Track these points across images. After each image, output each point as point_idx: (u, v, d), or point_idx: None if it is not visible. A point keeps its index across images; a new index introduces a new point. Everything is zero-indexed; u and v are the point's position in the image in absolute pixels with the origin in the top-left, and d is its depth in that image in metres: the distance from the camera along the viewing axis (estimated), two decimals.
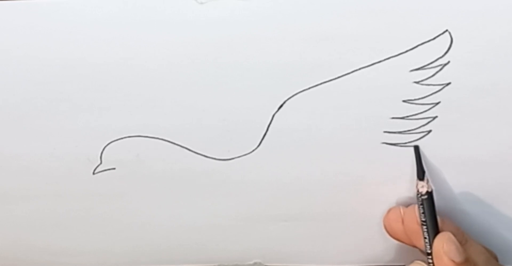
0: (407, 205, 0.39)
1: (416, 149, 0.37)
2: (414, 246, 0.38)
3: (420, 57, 0.34)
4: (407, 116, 0.36)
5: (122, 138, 0.38)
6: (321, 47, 0.34)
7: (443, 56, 0.34)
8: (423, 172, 0.38)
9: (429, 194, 0.37)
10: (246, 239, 0.43)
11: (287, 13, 0.33)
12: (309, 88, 0.36)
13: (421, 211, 0.37)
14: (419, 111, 0.36)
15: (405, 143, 0.37)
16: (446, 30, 0.33)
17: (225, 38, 0.34)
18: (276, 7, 0.33)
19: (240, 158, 0.39)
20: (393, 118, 0.37)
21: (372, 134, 0.37)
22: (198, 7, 0.33)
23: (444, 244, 0.36)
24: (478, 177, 0.38)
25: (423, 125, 0.37)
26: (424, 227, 0.37)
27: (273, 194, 0.40)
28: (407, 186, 0.39)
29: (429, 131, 0.37)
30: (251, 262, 0.45)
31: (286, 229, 0.42)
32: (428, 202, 0.37)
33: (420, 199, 0.37)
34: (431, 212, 0.37)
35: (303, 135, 0.37)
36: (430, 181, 0.38)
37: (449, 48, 0.34)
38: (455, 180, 0.39)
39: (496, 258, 0.40)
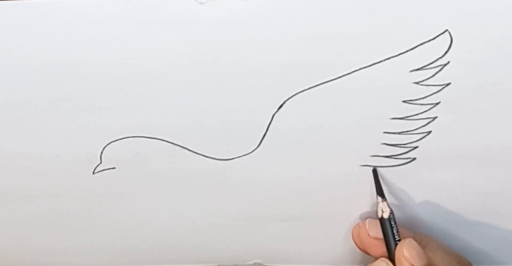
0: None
1: (374, 171, 0.38)
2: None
3: (420, 58, 0.34)
4: (407, 116, 0.36)
5: (122, 138, 0.38)
6: (321, 47, 0.34)
7: (443, 56, 0.34)
8: (383, 194, 0.39)
9: (392, 213, 0.38)
10: (246, 239, 0.43)
11: (287, 13, 0.33)
12: (309, 88, 0.36)
13: (387, 225, 0.38)
14: (419, 112, 0.36)
15: (405, 144, 0.37)
16: (446, 30, 0.33)
17: (225, 38, 0.34)
18: (276, 7, 0.33)
19: (240, 158, 0.39)
20: (393, 118, 0.37)
21: (372, 134, 0.37)
22: (198, 7, 0.33)
23: (404, 250, 0.36)
24: (477, 178, 0.39)
25: (423, 125, 0.37)
26: (387, 237, 0.38)
27: (273, 194, 0.40)
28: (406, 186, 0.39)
29: (429, 132, 0.37)
30: (251, 262, 0.45)
31: (286, 229, 0.42)
32: (391, 220, 0.38)
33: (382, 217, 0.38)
34: (391, 225, 0.38)
35: (303, 135, 0.37)
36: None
37: (449, 48, 0.34)
38: (455, 180, 0.39)
39: (468, 264, 0.40)
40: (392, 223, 0.38)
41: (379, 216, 0.38)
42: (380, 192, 0.39)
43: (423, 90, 0.35)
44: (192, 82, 0.36)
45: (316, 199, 0.40)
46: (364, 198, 0.40)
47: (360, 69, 0.35)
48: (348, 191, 0.40)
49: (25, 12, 0.33)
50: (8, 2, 0.33)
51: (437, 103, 0.36)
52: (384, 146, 0.38)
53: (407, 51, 0.34)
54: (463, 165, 0.38)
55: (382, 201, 0.38)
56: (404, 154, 0.38)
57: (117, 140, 0.38)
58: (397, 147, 0.38)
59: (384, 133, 0.37)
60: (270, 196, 0.41)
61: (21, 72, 0.35)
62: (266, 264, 0.45)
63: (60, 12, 0.33)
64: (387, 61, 0.34)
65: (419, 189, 0.39)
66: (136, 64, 0.35)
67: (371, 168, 0.39)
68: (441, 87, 0.35)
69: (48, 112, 0.37)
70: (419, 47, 0.34)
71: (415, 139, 0.37)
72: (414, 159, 0.38)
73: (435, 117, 0.36)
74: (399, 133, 0.37)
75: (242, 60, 0.35)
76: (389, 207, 0.38)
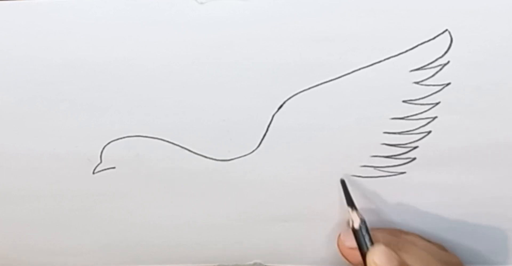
0: None
1: (343, 182, 0.39)
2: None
3: (420, 57, 0.34)
4: (407, 116, 0.36)
5: (122, 138, 0.38)
6: (321, 47, 0.34)
7: (443, 56, 0.34)
8: (353, 204, 0.39)
9: (363, 222, 0.38)
10: (246, 239, 0.43)
11: (287, 13, 0.33)
12: (309, 88, 0.36)
13: (359, 234, 0.38)
14: (419, 112, 0.36)
15: (405, 144, 0.37)
16: (446, 30, 0.33)
17: (225, 38, 0.34)
18: (276, 7, 0.33)
19: (240, 158, 0.39)
20: (393, 118, 0.37)
21: (372, 134, 0.37)
22: (198, 7, 0.33)
23: (374, 257, 0.36)
24: (477, 178, 0.39)
25: (423, 125, 0.37)
26: (361, 246, 0.38)
27: (273, 194, 0.40)
28: (406, 186, 0.39)
29: (429, 132, 0.37)
30: (251, 262, 0.45)
31: (286, 229, 0.42)
32: (362, 230, 0.38)
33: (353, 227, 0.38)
34: (363, 234, 0.38)
35: (303, 135, 0.37)
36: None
37: (449, 48, 0.34)
38: (454, 180, 0.39)
39: (458, 262, 0.40)
40: (364, 232, 0.38)
41: (350, 226, 0.38)
42: (350, 202, 0.39)
43: (423, 90, 0.35)
44: (192, 82, 0.36)
45: (316, 199, 0.40)
46: (364, 198, 0.40)
47: (360, 69, 0.35)
48: None
49: (25, 12, 0.33)
50: (8, 2, 0.33)
51: (437, 103, 0.36)
52: (384, 146, 0.38)
53: (407, 51, 0.34)
54: (463, 165, 0.38)
55: (352, 211, 0.38)
56: (404, 154, 0.38)
57: (117, 139, 0.38)
58: (397, 147, 0.38)
59: (384, 133, 0.37)
60: (270, 196, 0.41)
61: (21, 72, 0.35)
62: (266, 264, 0.45)
63: (60, 12, 0.33)
64: (387, 61, 0.34)
65: (419, 189, 0.39)
66: (136, 64, 0.35)
67: (372, 169, 0.39)
68: (441, 87, 0.35)
69: (48, 112, 0.37)
70: (419, 47, 0.34)
71: (415, 139, 0.37)
72: (414, 159, 0.38)
73: (435, 117, 0.36)
74: (399, 133, 0.37)
75: (242, 60, 0.35)
76: (360, 217, 0.38)
